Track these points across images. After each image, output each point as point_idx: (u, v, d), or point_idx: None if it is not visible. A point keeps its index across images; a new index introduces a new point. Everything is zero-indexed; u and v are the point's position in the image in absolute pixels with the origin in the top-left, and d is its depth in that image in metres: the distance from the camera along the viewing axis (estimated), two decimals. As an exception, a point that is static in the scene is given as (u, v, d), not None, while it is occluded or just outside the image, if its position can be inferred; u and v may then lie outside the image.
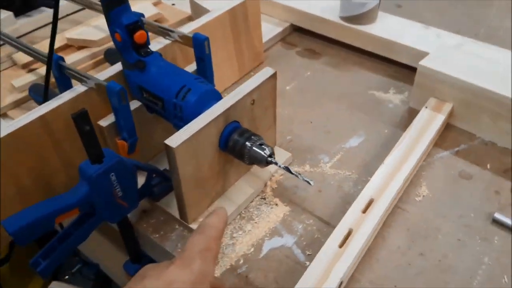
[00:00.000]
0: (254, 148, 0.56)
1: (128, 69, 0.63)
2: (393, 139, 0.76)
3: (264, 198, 0.67)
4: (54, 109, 0.60)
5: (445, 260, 0.58)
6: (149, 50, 0.62)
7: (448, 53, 0.79)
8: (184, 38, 0.69)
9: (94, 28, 0.93)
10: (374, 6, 0.92)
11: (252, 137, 0.57)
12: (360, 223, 0.58)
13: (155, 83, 0.61)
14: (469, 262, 0.58)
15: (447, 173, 0.70)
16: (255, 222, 0.64)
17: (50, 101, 0.61)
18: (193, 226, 0.61)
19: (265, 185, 0.68)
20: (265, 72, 0.62)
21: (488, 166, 0.71)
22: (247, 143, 0.56)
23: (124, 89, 0.58)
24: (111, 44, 0.91)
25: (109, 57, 0.87)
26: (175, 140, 0.52)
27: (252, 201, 0.66)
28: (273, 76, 0.63)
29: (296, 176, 0.57)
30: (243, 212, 0.65)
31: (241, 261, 0.59)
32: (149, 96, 0.62)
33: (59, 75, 0.66)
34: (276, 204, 0.66)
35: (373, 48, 0.94)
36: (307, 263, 0.59)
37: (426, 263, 0.58)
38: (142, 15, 0.64)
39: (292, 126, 0.80)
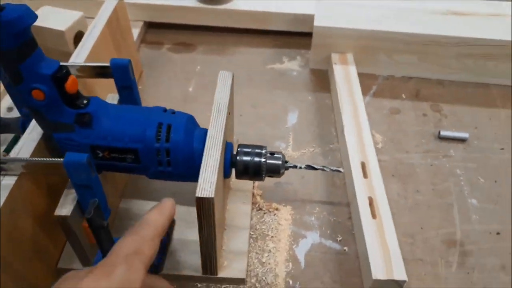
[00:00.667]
0: (268, 161, 0.50)
1: (60, 132, 0.47)
2: (322, 102, 0.78)
3: (261, 209, 0.61)
4: (-7, 224, 0.41)
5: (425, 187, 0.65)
6: (86, 98, 0.47)
7: (332, 9, 0.83)
8: (90, 70, 0.54)
9: None
10: (233, -19, 0.89)
11: (257, 150, 0.50)
12: (371, 189, 0.58)
13: (116, 135, 0.47)
14: (443, 175, 0.66)
15: (382, 114, 0.76)
16: (272, 237, 0.58)
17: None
18: (222, 274, 0.52)
19: (253, 195, 0.62)
20: (225, 77, 0.55)
21: (403, 96, 0.80)
22: (260, 159, 0.49)
23: (90, 156, 0.43)
24: None
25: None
26: (205, 188, 0.42)
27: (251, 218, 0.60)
28: (233, 78, 0.55)
29: (323, 169, 0.53)
30: (252, 232, 0.58)
31: (291, 282, 0.54)
32: (111, 153, 0.48)
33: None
34: (277, 209, 0.61)
35: (247, 24, 0.92)
36: (345, 248, 0.57)
37: (418, 195, 0.63)
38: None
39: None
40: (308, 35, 0.91)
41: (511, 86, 0.82)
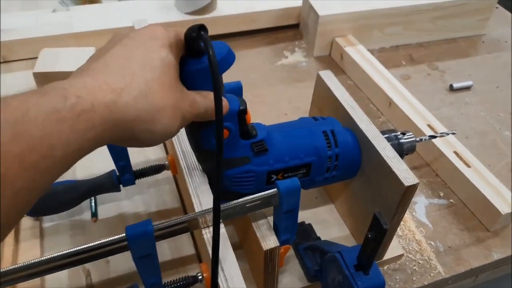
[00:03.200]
0: (405, 141, 0.54)
1: (235, 167, 0.45)
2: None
3: (366, 191, 0.65)
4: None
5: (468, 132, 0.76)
6: (252, 126, 0.46)
7: (324, -2, 0.88)
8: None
9: None
10: (216, -11, 0.88)
11: (393, 134, 0.54)
12: (449, 144, 0.67)
13: (291, 154, 0.46)
14: (475, 118, 0.78)
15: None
16: (392, 211, 0.63)
17: (223, 280, 0.38)
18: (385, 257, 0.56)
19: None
20: (328, 76, 0.57)
21: (403, 62, 0.90)
22: (400, 141, 0.53)
23: (296, 180, 0.43)
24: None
25: (40, 205, 0.53)
26: (407, 177, 0.45)
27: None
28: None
29: (442, 135, 0.59)
30: (373, 214, 0.62)
31: (432, 243, 0.59)
32: (285, 174, 0.47)
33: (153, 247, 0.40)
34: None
35: (237, 27, 0.92)
36: (451, 200, 0.65)
37: (469, 140, 0.74)
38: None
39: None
40: (293, 26, 0.96)
41: (473, 36, 0.98)
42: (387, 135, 0.53)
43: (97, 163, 0.61)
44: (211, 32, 0.85)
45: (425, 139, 0.58)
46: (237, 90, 0.51)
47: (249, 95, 0.78)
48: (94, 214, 0.57)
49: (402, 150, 0.54)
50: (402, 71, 0.88)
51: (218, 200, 0.36)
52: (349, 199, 0.57)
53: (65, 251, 0.37)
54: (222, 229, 0.42)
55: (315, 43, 0.88)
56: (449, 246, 0.59)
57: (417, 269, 0.56)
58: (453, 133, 0.62)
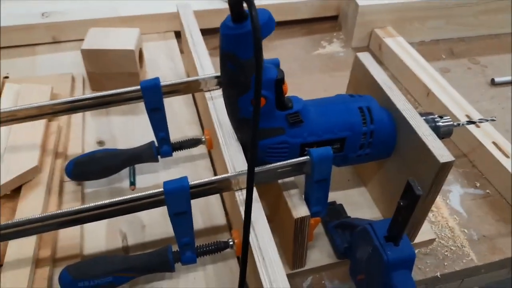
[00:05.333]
0: (443, 124, 0.54)
1: (270, 137, 0.46)
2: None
3: (400, 177, 0.65)
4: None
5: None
6: (288, 98, 0.47)
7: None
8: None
9: (10, 154, 0.55)
10: (257, -23, 0.90)
11: (431, 117, 0.54)
12: (488, 135, 0.65)
13: (326, 128, 0.47)
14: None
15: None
16: (426, 198, 0.62)
17: (254, 238, 0.40)
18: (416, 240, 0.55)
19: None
20: (366, 58, 0.57)
21: (443, 56, 0.89)
22: (438, 124, 0.53)
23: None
24: (51, 160, 0.57)
25: (83, 170, 0.56)
26: (444, 154, 0.45)
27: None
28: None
29: (481, 121, 0.58)
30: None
31: (466, 231, 0.58)
32: (319, 147, 0.48)
33: (188, 205, 0.42)
34: (413, 174, 0.65)
35: (275, 18, 0.93)
36: (488, 191, 0.63)
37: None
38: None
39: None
40: (331, 18, 0.96)
41: (518, 32, 0.96)
42: (424, 117, 0.53)
43: (138, 135, 0.63)
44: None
45: (463, 124, 0.58)
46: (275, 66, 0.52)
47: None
48: (133, 183, 0.60)
49: (439, 133, 0.53)
50: (441, 64, 0.87)
51: (253, 161, 0.37)
52: (382, 181, 0.56)
53: (105, 202, 0.39)
54: (255, 193, 0.43)
55: (353, 33, 0.88)
56: (483, 235, 0.58)
57: (449, 255, 0.55)
58: (493, 120, 0.60)
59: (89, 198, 0.58)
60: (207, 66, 0.62)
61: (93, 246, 0.53)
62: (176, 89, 0.55)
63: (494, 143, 0.64)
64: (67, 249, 0.51)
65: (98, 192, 0.59)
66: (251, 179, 0.37)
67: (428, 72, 0.77)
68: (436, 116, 0.54)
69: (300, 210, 0.45)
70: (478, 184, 0.64)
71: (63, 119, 0.65)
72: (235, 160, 0.46)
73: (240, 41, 0.38)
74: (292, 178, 0.47)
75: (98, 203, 0.40)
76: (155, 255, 0.46)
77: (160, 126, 0.55)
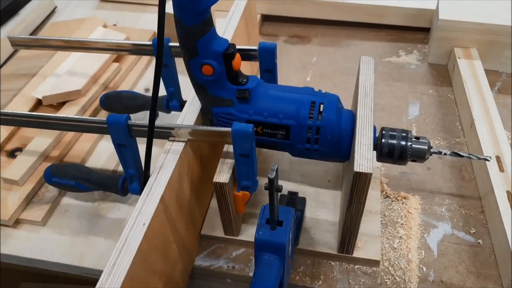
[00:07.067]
0: (414, 145, 0.50)
1: (220, 106, 0.51)
2: (444, 96, 0.77)
3: (388, 196, 0.61)
4: (168, 185, 0.45)
5: None
6: (245, 76, 0.51)
7: (456, 2, 0.81)
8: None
9: (67, 75, 0.72)
10: (351, -25, 0.90)
11: (403, 134, 0.51)
12: (508, 183, 0.57)
13: (272, 111, 0.50)
14: None
15: (508, 110, 0.73)
16: (402, 224, 0.58)
17: (153, 179, 0.46)
18: (358, 254, 0.54)
19: (381, 182, 0.63)
20: (367, 62, 0.56)
21: (531, 95, 0.77)
22: (406, 143, 0.50)
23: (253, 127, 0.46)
24: (97, 90, 0.72)
25: (111, 103, 0.69)
26: (363, 164, 0.43)
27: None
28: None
29: (469, 157, 0.53)
30: (381, 218, 0.59)
31: (424, 269, 0.54)
32: (264, 129, 0.51)
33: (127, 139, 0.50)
34: (405, 198, 0.61)
35: (363, 18, 0.93)
36: (480, 241, 0.56)
37: None
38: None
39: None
40: (425, 30, 0.90)
41: None
42: (394, 133, 0.51)
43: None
44: (331, 17, 0.88)
45: (446, 153, 0.52)
46: (269, 50, 0.56)
47: (336, 80, 0.81)
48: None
49: (406, 152, 0.50)
50: (522, 102, 0.76)
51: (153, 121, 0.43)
52: (344, 187, 0.56)
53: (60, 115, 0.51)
54: (180, 146, 0.49)
55: (431, 47, 0.83)
56: (442, 280, 0.52)
57: (388, 283, 0.52)
58: (486, 159, 0.53)
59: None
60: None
61: (92, 162, 0.66)
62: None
63: (508, 192, 0.56)
64: (73, 157, 0.65)
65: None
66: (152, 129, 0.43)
67: (485, 103, 0.69)
68: (411, 134, 0.51)
69: (221, 176, 0.49)
70: (473, 231, 0.57)
71: (127, 63, 0.79)
72: (187, 116, 0.52)
73: (183, 7, 0.43)
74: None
75: (51, 115, 0.51)
76: (110, 178, 0.56)
77: (169, 81, 0.64)
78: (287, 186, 0.61)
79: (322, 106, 0.49)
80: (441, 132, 0.70)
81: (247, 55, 0.58)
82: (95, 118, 0.51)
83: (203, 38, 0.46)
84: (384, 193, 0.62)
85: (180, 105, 0.66)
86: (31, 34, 0.95)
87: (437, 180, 0.63)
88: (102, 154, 0.67)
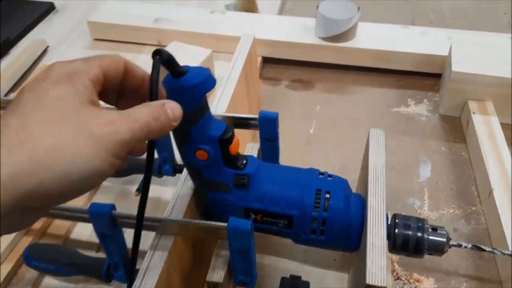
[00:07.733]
0: (431, 237, 0.45)
1: (215, 191, 0.46)
2: (458, 154, 0.72)
3: (400, 278, 0.56)
4: (155, 290, 0.40)
5: None
6: (244, 157, 0.46)
7: (469, 52, 0.76)
8: (237, 120, 0.53)
9: None
10: (357, 20, 0.86)
11: (419, 224, 0.46)
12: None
13: (273, 199, 0.45)
14: None
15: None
16: (416, 312, 0.53)
17: (138, 282, 0.41)
18: None
19: (391, 260, 0.57)
20: (378, 136, 0.51)
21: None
22: (423, 235, 0.45)
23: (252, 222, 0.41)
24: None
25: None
26: (376, 274, 0.38)
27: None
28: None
29: (493, 252, 0.47)
30: (392, 305, 0.53)
31: None
32: (264, 217, 0.46)
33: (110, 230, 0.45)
34: (418, 280, 0.56)
35: (369, 63, 0.88)
36: (503, 336, 0.50)
37: None
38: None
39: (352, 175, 0.69)
40: (435, 76, 0.86)
41: None
42: (407, 222, 0.45)
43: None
44: (335, 61, 0.83)
45: (466, 247, 0.47)
46: (270, 119, 0.51)
47: (341, 131, 0.76)
48: (138, 189, 0.65)
49: (422, 244, 0.45)
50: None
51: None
52: (354, 273, 0.50)
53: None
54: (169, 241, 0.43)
55: (443, 99, 0.78)
56: None
57: None
58: (509, 254, 0.47)
59: (101, 191, 0.66)
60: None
61: (78, 232, 0.61)
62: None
63: (534, 281, 0.51)
64: (57, 228, 0.60)
65: (108, 188, 0.66)
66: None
67: (503, 170, 0.63)
68: (427, 224, 0.46)
69: (215, 275, 0.44)
70: (494, 322, 0.52)
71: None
72: (178, 204, 0.47)
73: (176, 94, 0.39)
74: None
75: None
76: (93, 262, 0.50)
77: (162, 147, 0.59)
78: (289, 266, 0.56)
79: (327, 194, 0.44)
80: (455, 198, 0.65)
81: (246, 124, 0.53)
82: (77, 207, 0.45)
83: (198, 124, 0.41)
84: (395, 274, 0.56)
85: (173, 169, 0.61)
86: (23, 75, 0.90)
87: (454, 259, 0.58)
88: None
